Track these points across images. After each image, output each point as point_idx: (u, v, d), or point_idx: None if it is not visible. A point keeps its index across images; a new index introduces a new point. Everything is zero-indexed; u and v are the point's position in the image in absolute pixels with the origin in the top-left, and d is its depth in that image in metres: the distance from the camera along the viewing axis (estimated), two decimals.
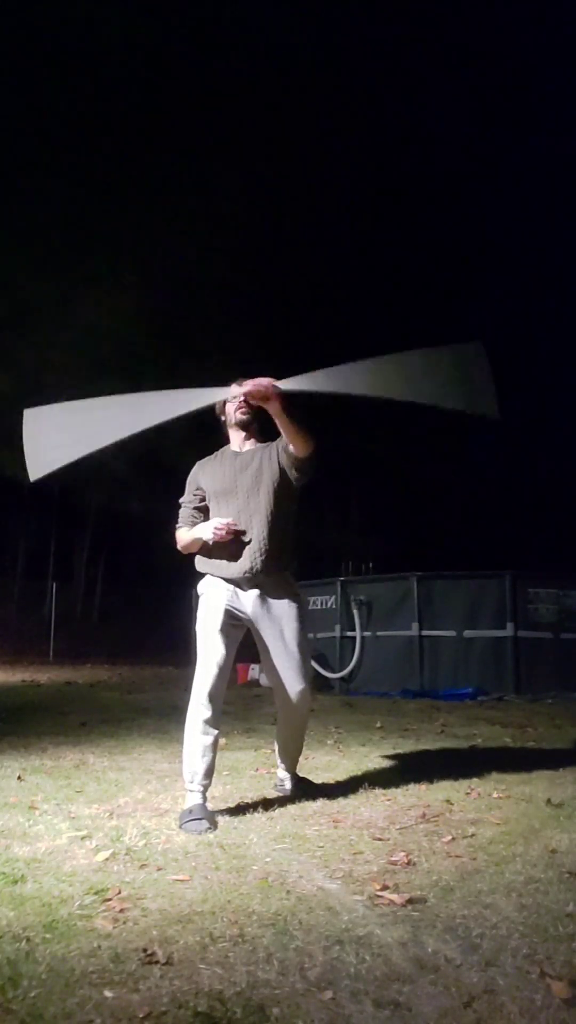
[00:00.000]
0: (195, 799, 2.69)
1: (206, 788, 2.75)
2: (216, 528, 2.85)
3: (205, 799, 2.72)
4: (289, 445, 2.84)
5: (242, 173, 18.40)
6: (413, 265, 25.22)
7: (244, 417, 2.98)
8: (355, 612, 9.98)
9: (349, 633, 10.06)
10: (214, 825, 2.56)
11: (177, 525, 3.09)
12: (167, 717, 5.69)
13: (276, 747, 3.24)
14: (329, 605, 10.39)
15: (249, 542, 2.87)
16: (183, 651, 18.30)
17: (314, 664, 10.21)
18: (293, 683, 2.90)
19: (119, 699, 7.81)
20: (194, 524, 3.02)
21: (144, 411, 2.93)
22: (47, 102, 16.28)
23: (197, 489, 3.06)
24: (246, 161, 18.53)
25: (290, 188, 18.87)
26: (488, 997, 1.40)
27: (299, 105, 18.81)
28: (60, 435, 2.96)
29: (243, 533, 2.88)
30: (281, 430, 2.81)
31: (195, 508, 3.06)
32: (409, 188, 25.33)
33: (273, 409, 2.74)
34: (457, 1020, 1.33)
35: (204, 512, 3.05)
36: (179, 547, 3.05)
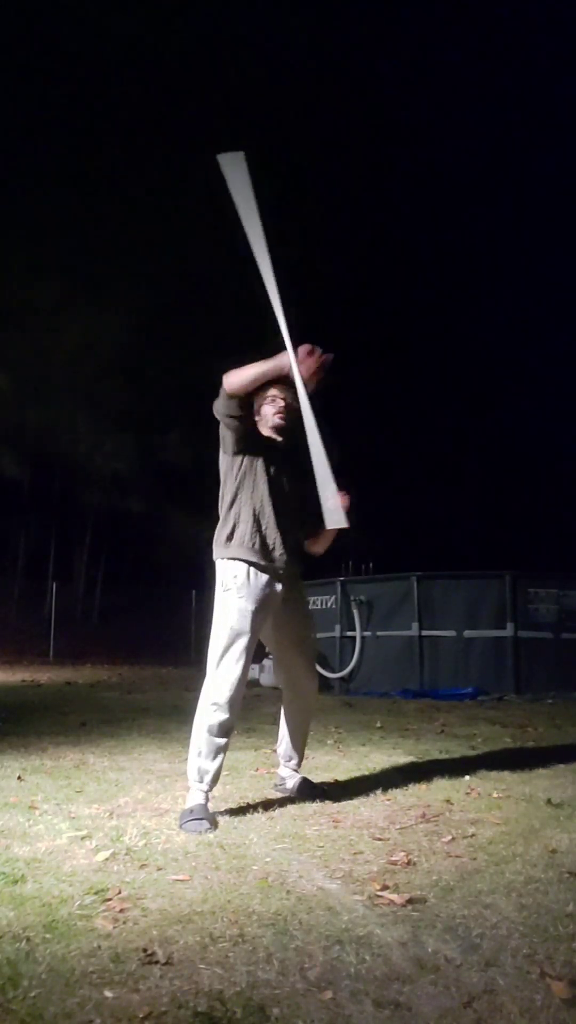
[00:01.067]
0: (198, 798, 2.67)
1: (211, 788, 2.74)
2: (305, 348, 2.68)
3: (208, 799, 2.72)
4: (311, 543, 3.05)
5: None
6: (414, 264, 25.21)
7: (283, 423, 2.93)
8: (355, 612, 9.98)
9: (349, 633, 10.06)
10: (214, 826, 2.55)
11: (225, 377, 2.76)
12: (167, 717, 5.69)
13: (281, 746, 3.17)
14: (329, 605, 10.39)
15: (283, 534, 2.86)
16: (183, 651, 18.34)
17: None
18: (310, 675, 3.02)
19: (119, 699, 7.80)
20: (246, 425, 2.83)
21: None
22: (47, 102, 16.27)
23: (250, 428, 2.90)
24: (247, 162, 18.51)
25: (291, 189, 18.85)
26: (488, 997, 1.40)
27: (300, 105, 18.80)
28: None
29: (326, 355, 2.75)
30: (320, 536, 3.02)
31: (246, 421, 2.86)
32: (409, 189, 25.32)
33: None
34: (457, 1020, 1.33)
35: (246, 437, 2.86)
36: (234, 382, 2.72)
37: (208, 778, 2.70)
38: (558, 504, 24.52)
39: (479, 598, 9.41)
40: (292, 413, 2.89)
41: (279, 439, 2.96)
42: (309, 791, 3.04)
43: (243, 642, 2.73)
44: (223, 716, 2.68)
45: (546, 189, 29.48)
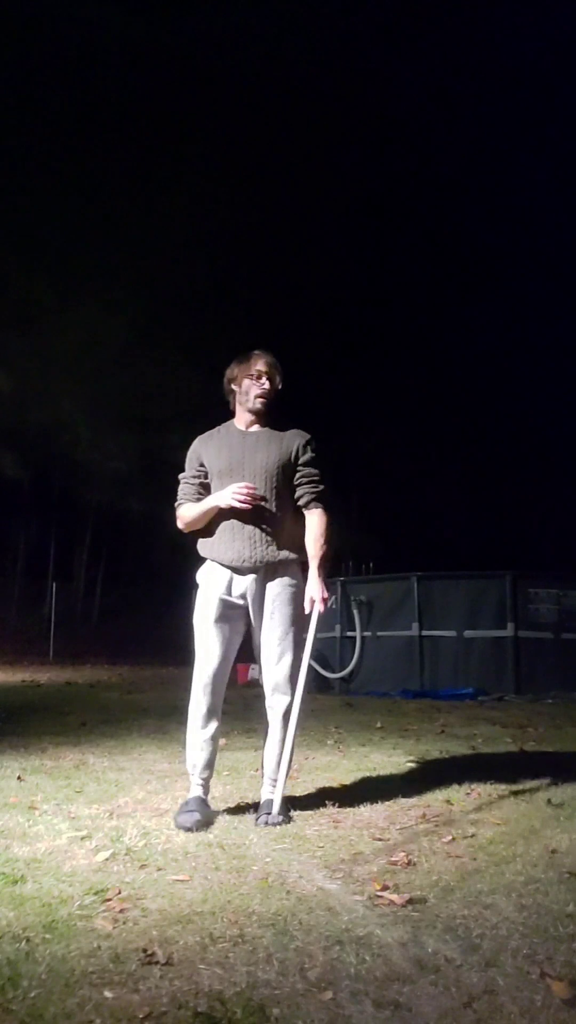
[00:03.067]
0: (194, 792, 2.73)
1: (207, 781, 2.77)
2: (236, 492, 2.71)
3: (206, 792, 2.76)
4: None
5: (242, 174, 18.39)
6: (413, 265, 25.22)
7: (262, 406, 2.88)
8: (355, 612, 9.98)
9: (349, 633, 10.06)
10: (205, 820, 2.59)
11: (178, 502, 2.94)
12: (167, 717, 5.69)
13: (264, 762, 2.85)
14: (329, 605, 10.39)
15: (254, 528, 2.77)
16: (183, 651, 18.30)
17: (314, 664, 10.23)
18: (272, 669, 2.78)
19: (119, 699, 7.80)
20: (198, 500, 2.87)
21: None
22: (47, 103, 16.27)
23: (200, 466, 2.91)
24: (247, 162, 18.52)
25: (290, 190, 18.86)
26: (488, 997, 1.40)
27: (300, 107, 18.80)
28: None
29: (263, 499, 2.76)
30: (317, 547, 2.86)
31: (199, 484, 2.91)
32: (410, 190, 25.34)
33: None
34: (457, 1020, 1.33)
35: (206, 489, 2.89)
36: (182, 524, 2.89)
37: (197, 769, 2.74)
38: (558, 504, 24.51)
39: (479, 598, 9.41)
40: (273, 397, 2.90)
41: (251, 419, 2.90)
42: (264, 809, 2.71)
43: (210, 638, 2.77)
44: (201, 708, 2.75)
45: (547, 189, 29.50)
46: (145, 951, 1.56)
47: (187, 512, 2.88)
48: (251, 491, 2.73)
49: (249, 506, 2.73)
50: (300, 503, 2.87)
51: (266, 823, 2.59)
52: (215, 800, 2.94)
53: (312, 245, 20.75)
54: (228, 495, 2.74)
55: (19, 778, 3.39)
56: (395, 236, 24.51)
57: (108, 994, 1.39)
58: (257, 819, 2.65)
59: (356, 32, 21.26)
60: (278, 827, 2.55)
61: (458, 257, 26.36)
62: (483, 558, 16.46)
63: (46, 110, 16.41)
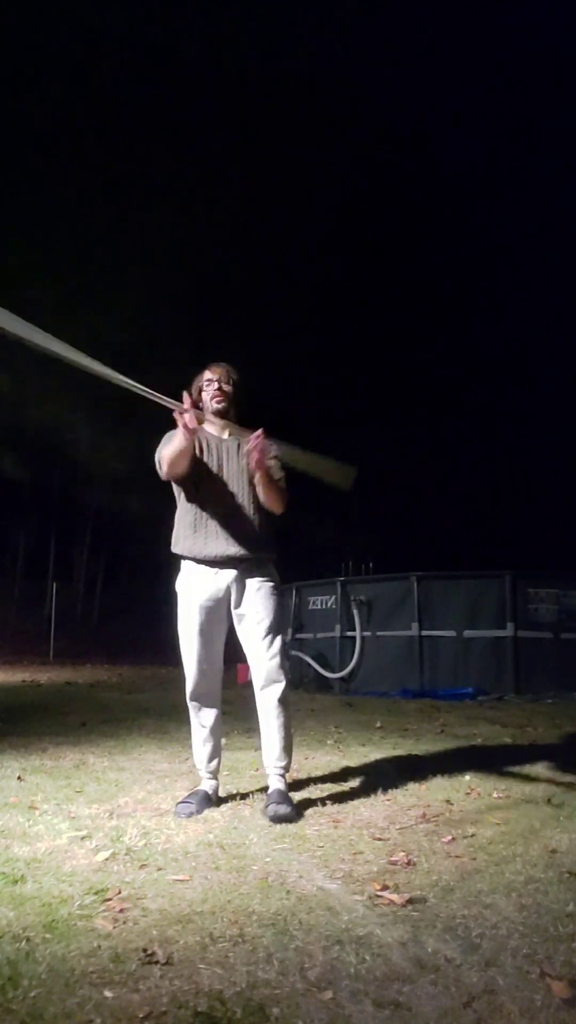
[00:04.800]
0: (202, 785, 2.90)
1: (214, 773, 2.93)
2: (181, 413, 2.68)
3: (214, 784, 2.91)
4: (265, 496, 2.88)
5: (242, 175, 18.40)
6: (413, 263, 25.22)
7: (220, 406, 2.96)
8: (355, 612, 9.98)
9: (349, 633, 10.06)
10: (200, 811, 2.71)
11: (158, 451, 2.91)
12: (167, 717, 5.69)
13: (264, 755, 2.92)
14: (329, 605, 10.39)
15: (232, 527, 2.86)
16: None
17: (314, 664, 10.23)
18: (265, 662, 2.85)
19: (119, 699, 7.80)
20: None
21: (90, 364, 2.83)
22: (47, 102, 16.27)
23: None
24: (246, 163, 18.53)
25: (291, 192, 18.86)
26: (488, 997, 1.40)
27: (300, 108, 18.80)
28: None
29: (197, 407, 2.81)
30: (259, 487, 2.86)
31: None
32: (410, 191, 25.34)
33: (262, 473, 2.81)
34: (457, 1020, 1.33)
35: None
36: (165, 466, 2.85)
37: (202, 764, 2.91)
38: (558, 504, 24.51)
39: (479, 598, 9.41)
40: (227, 394, 2.97)
41: (219, 422, 2.97)
42: (272, 798, 2.77)
43: (193, 637, 2.87)
44: (196, 706, 2.91)
45: (548, 191, 29.50)
46: (145, 951, 1.57)
47: (167, 452, 2.83)
48: (184, 409, 2.72)
49: (191, 422, 2.72)
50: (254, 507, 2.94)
51: (275, 812, 2.64)
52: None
53: (311, 245, 20.77)
54: (179, 433, 2.72)
55: (19, 778, 3.39)
56: (394, 237, 24.52)
57: (108, 994, 1.39)
58: (266, 807, 2.70)
59: (357, 32, 21.25)
60: (279, 826, 2.56)
61: (457, 256, 26.37)
62: (483, 558, 16.45)
63: (47, 111, 16.41)
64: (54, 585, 19.53)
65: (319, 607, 10.55)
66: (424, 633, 9.45)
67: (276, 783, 2.85)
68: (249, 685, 3.05)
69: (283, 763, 2.87)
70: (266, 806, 2.72)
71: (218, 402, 2.97)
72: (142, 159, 17.70)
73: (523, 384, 27.08)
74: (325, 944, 1.62)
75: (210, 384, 2.98)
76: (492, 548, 20.46)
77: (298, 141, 18.79)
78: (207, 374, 3.00)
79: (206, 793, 2.87)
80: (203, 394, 3.00)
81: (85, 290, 17.51)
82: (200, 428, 2.93)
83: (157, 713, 6.13)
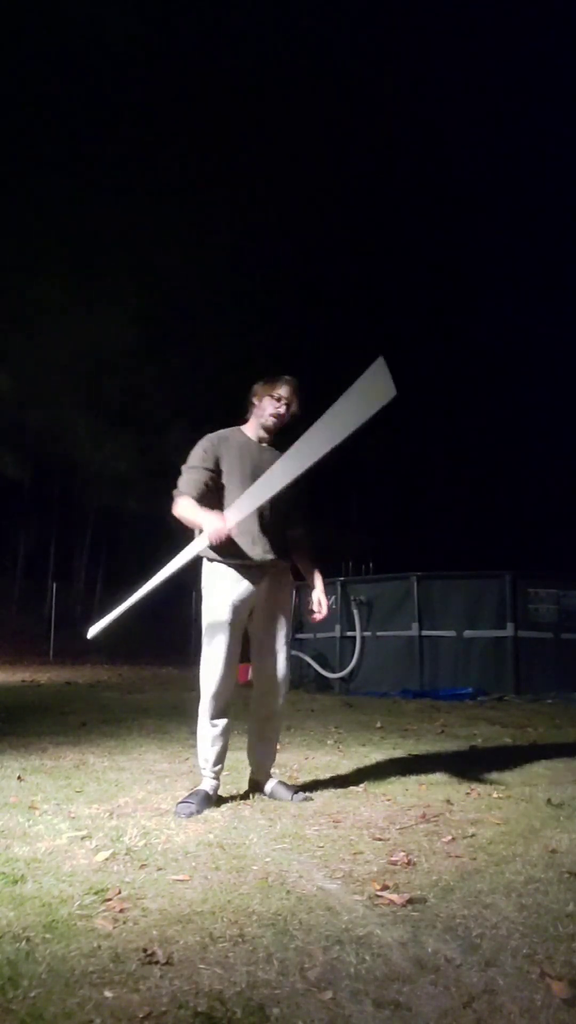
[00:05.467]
0: (202, 786, 2.90)
1: (218, 774, 2.93)
2: (218, 534, 2.71)
3: (215, 785, 2.92)
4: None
5: (243, 175, 18.39)
6: (414, 261, 25.21)
7: (272, 426, 2.99)
8: (355, 612, 9.98)
9: (349, 633, 10.06)
10: (200, 810, 2.73)
11: (179, 490, 2.88)
12: (167, 717, 5.69)
13: (249, 754, 3.14)
14: (329, 605, 10.39)
15: (267, 532, 2.92)
16: (183, 651, 18.33)
17: (314, 664, 10.23)
18: (278, 678, 3.00)
19: (119, 699, 7.80)
20: (201, 495, 2.85)
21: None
22: (47, 101, 16.27)
23: (216, 464, 2.93)
24: (246, 163, 18.52)
25: (291, 191, 18.86)
26: (488, 997, 1.40)
27: (301, 108, 18.79)
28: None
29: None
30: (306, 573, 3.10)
31: (208, 479, 2.90)
32: (410, 192, 25.33)
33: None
34: (457, 1020, 1.33)
35: (213, 484, 2.91)
36: (176, 512, 2.86)
37: (210, 764, 2.90)
38: (558, 504, 24.52)
39: (479, 598, 9.41)
40: (282, 418, 3.00)
41: (263, 435, 3.02)
42: (285, 793, 3.01)
43: (224, 636, 2.88)
44: (215, 705, 2.90)
45: (548, 191, 29.49)
46: (145, 951, 1.56)
47: (186, 507, 2.84)
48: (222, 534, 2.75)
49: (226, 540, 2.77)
50: (290, 519, 3.04)
51: (304, 797, 2.94)
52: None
53: (312, 245, 20.77)
54: (210, 534, 2.73)
55: (19, 778, 3.39)
56: (396, 236, 24.51)
57: (108, 994, 1.39)
58: (292, 799, 2.94)
59: (358, 34, 21.25)
60: (279, 826, 2.56)
61: (459, 257, 26.37)
62: (483, 558, 16.46)
63: (49, 112, 16.42)
64: (54, 585, 19.53)
65: None
66: (424, 633, 9.45)
67: (275, 780, 3.07)
68: (249, 685, 3.08)
69: (271, 765, 3.12)
70: (291, 799, 2.94)
71: (274, 422, 2.99)
72: (143, 158, 17.69)
73: (523, 384, 27.09)
74: (325, 944, 1.62)
75: (279, 400, 2.98)
76: (492, 548, 20.47)
77: (298, 141, 18.78)
78: (280, 388, 2.98)
79: (207, 793, 2.87)
80: (266, 399, 2.99)
81: (86, 290, 17.50)
82: (242, 431, 3.02)
83: (157, 713, 6.13)
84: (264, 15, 17.49)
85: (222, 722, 2.93)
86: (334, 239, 21.96)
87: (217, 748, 2.92)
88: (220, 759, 2.93)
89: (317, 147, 19.56)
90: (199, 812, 2.72)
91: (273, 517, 2.94)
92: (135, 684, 10.16)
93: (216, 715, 2.91)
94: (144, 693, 8.64)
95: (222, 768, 2.96)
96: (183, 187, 17.74)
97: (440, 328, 24.68)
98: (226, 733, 2.95)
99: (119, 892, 1.91)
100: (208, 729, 2.92)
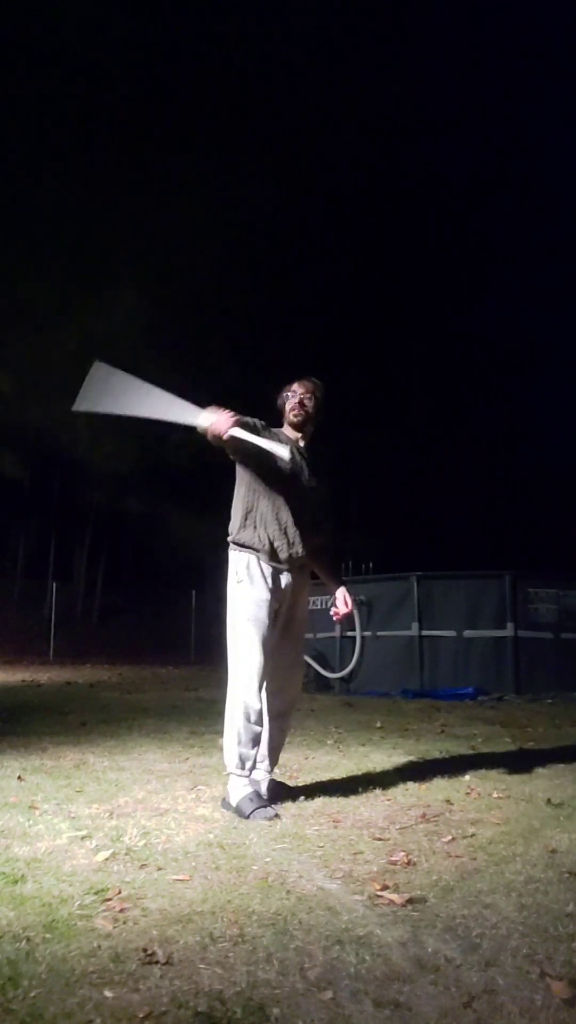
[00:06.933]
0: (248, 788, 2.78)
1: (250, 775, 2.87)
2: (216, 427, 2.72)
3: (258, 779, 2.89)
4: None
5: (242, 176, 18.41)
6: (414, 260, 25.22)
7: (297, 420, 3.05)
8: (355, 612, 9.97)
9: (349, 633, 10.06)
10: (272, 807, 2.73)
11: (224, 415, 2.77)
12: (167, 717, 5.69)
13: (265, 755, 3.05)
14: (329, 605, 10.37)
15: (302, 532, 2.94)
16: (183, 651, 18.34)
17: (314, 664, 10.23)
18: (296, 674, 3.09)
19: (119, 699, 7.80)
20: (243, 424, 2.79)
21: (154, 404, 2.97)
22: (48, 102, 16.27)
23: (265, 428, 2.93)
24: (246, 164, 18.53)
25: (292, 188, 18.86)
26: (488, 997, 1.40)
27: (301, 109, 18.80)
28: (105, 391, 3.11)
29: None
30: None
31: (256, 424, 2.87)
32: (410, 192, 25.34)
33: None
34: (457, 1020, 1.33)
35: (254, 433, 2.85)
36: (221, 430, 2.74)
37: (250, 764, 2.83)
38: (558, 504, 24.51)
39: (479, 598, 9.41)
40: (306, 410, 3.05)
41: (296, 433, 3.08)
42: (278, 792, 2.97)
43: (261, 631, 2.85)
44: (255, 703, 2.81)
45: (548, 189, 29.49)
46: (145, 951, 1.57)
47: (240, 432, 2.77)
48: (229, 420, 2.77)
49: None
50: (318, 526, 3.06)
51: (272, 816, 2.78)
52: (214, 799, 2.95)
53: (313, 243, 20.77)
54: (216, 426, 2.75)
55: (19, 778, 3.39)
56: (398, 233, 24.52)
57: (108, 994, 1.39)
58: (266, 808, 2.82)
59: (358, 32, 21.26)
60: (279, 826, 2.56)
61: (460, 256, 26.38)
62: (483, 558, 16.46)
63: (49, 108, 16.41)
64: (54, 585, 19.53)
65: (319, 607, 10.54)
66: (424, 633, 9.45)
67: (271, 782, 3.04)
68: None
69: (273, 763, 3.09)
70: (268, 789, 2.92)
71: (296, 416, 3.04)
72: (144, 157, 17.70)
73: (523, 384, 27.09)
74: (325, 944, 1.62)
75: (293, 396, 3.05)
76: (492, 548, 20.47)
77: (296, 141, 18.78)
78: (295, 386, 3.06)
79: (256, 791, 2.80)
80: (287, 403, 3.07)
81: (86, 290, 17.50)
82: (282, 433, 3.05)
83: (157, 713, 6.13)
84: (264, 15, 17.49)
85: (265, 721, 2.87)
86: (336, 234, 21.98)
87: (259, 748, 2.85)
88: (256, 760, 2.87)
89: (317, 147, 19.57)
90: (274, 809, 2.71)
91: (304, 518, 2.97)
92: (135, 684, 10.16)
93: (259, 715, 2.81)
94: (144, 693, 8.64)
95: (254, 768, 2.88)
96: (186, 184, 17.73)
97: (440, 328, 24.69)
98: (262, 729, 2.87)
99: (119, 892, 1.91)
100: (247, 729, 2.79)
